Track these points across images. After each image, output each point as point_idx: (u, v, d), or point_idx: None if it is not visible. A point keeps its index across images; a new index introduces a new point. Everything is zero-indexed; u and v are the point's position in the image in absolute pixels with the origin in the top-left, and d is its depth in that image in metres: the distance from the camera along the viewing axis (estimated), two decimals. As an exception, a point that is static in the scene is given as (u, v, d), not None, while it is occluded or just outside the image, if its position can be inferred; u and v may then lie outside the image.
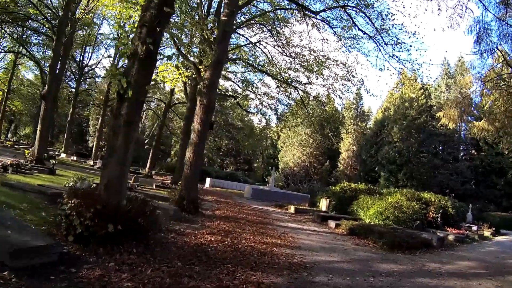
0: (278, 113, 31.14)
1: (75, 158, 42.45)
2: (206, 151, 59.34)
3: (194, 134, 15.56)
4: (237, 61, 26.42)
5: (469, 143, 49.96)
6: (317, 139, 57.41)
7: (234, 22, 18.01)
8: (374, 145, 51.27)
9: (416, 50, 43.63)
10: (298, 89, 26.12)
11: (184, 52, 20.74)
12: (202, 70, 18.81)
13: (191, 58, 20.98)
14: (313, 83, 25.66)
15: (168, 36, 19.26)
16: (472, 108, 37.96)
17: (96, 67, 54.27)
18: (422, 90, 48.94)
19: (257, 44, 24.20)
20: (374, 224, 16.33)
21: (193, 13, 21.97)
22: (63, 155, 42.59)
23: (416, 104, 47.46)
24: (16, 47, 42.56)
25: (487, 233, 22.55)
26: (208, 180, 38.71)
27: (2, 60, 52.39)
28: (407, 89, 49.40)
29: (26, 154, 24.36)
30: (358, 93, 60.84)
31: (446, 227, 20.03)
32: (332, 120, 59.29)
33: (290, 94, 27.61)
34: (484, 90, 20.57)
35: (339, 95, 24.76)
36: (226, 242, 9.43)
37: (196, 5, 21.95)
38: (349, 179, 44.73)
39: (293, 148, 58.08)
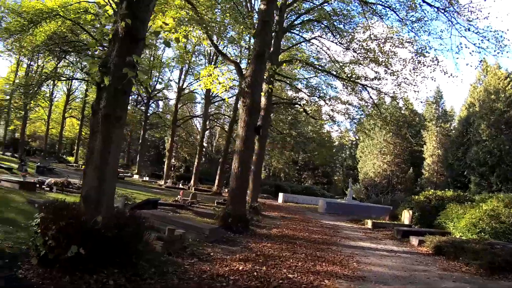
0: (351, 117, 28.95)
1: (147, 178, 42.50)
2: (282, 166, 57.91)
3: (238, 140, 13.88)
4: (292, 62, 24.29)
5: None
6: (397, 145, 53.81)
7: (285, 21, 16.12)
8: (461, 147, 46.79)
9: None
10: (367, 87, 23.64)
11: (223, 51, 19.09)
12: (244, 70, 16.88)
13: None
14: (382, 78, 23.09)
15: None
16: None
17: (163, 89, 55.18)
18: (508, 79, 43.73)
19: (314, 40, 22.13)
20: (467, 240, 13.28)
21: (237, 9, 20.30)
22: (136, 177, 42.66)
23: (503, 95, 42.63)
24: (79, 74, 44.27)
25: None
26: (281, 195, 37.24)
27: (77, 90, 55.29)
28: (492, 80, 44.57)
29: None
30: (437, 91, 57.44)
31: None
32: (412, 122, 55.76)
33: (360, 94, 25.24)
34: None
35: (413, 86, 22.10)
36: (256, 273, 7.34)
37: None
38: (435, 187, 41.16)
39: (373, 156, 54.94)
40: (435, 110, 55.94)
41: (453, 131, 52.60)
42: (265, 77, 20.35)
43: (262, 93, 21.83)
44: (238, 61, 19.05)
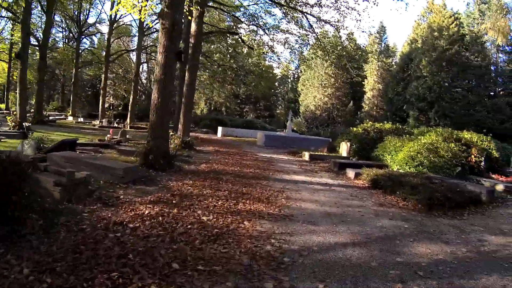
0: (291, 48, 27.78)
1: (81, 119, 40.26)
2: (223, 100, 56.56)
3: (157, 68, 12.21)
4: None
5: (508, 76, 45.43)
6: (338, 78, 53.53)
7: None
8: (401, 82, 47.56)
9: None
10: (306, 14, 22.36)
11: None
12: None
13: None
14: (323, 5, 21.84)
15: None
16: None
17: (97, 23, 51.09)
18: (453, 18, 44.34)
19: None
20: (404, 173, 12.64)
21: None
22: (70, 118, 40.35)
23: (446, 33, 43.01)
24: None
25: None
26: (220, 129, 36.71)
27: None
28: (436, 17, 44.66)
29: (8, 120, 22.79)
30: (381, 26, 57.84)
31: (490, 173, 16.43)
32: (355, 55, 55.59)
33: (300, 22, 23.95)
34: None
35: (354, 12, 21.12)
36: (162, 218, 6.22)
37: None
38: (375, 120, 41.34)
39: (314, 89, 54.75)
40: (378, 45, 56.26)
41: (394, 66, 53.00)
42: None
43: (192, 18, 20.12)
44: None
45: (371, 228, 6.89)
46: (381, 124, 21.16)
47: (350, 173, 13.58)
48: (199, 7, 18.94)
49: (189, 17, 18.82)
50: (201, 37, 22.30)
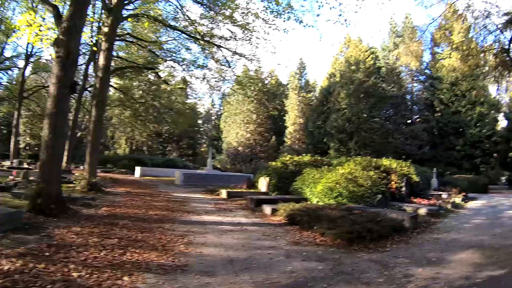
0: (210, 84, 26.98)
1: None
2: (145, 139, 54.56)
3: (50, 101, 10.60)
4: (139, 17, 21.37)
5: (423, 104, 48.06)
6: (260, 114, 53.62)
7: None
8: (321, 115, 48.46)
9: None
10: (221, 47, 21.76)
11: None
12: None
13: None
14: (237, 38, 21.35)
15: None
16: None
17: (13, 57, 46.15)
18: (369, 52, 46.16)
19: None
20: (323, 206, 11.83)
21: None
22: None
23: (363, 66, 44.36)
24: None
25: (458, 199, 19.17)
26: (138, 169, 34.49)
27: None
28: (353, 52, 46.18)
29: None
30: (301, 63, 58.97)
31: (412, 198, 16.46)
32: (276, 91, 56.12)
33: (215, 55, 23.32)
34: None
35: (267, 42, 20.87)
36: (21, 276, 4.81)
37: None
38: (298, 154, 41.40)
39: (236, 126, 54.50)
40: (298, 80, 56.99)
41: (314, 100, 54.07)
42: (105, 30, 17.50)
43: (101, 51, 18.84)
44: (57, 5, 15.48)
45: (279, 274, 5.78)
46: (300, 157, 20.59)
47: (267, 209, 12.52)
48: (106, 39, 17.72)
49: (94, 48, 17.47)
50: (109, 71, 20.91)
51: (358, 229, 8.34)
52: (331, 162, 20.30)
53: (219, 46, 22.32)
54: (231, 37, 21.79)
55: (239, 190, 19.30)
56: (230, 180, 26.23)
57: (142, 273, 5.42)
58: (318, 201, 13.64)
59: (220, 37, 22.08)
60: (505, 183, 46.72)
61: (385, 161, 17.65)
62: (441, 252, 7.79)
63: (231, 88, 31.18)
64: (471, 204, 19.75)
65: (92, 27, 22.56)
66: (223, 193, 17.95)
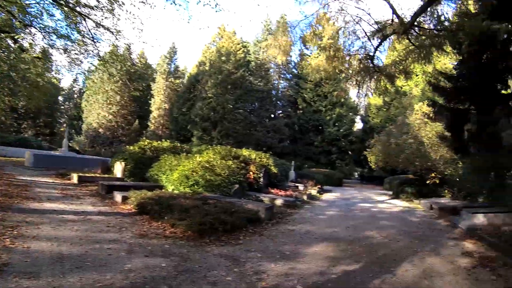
0: (71, 57, 24.59)
1: None
2: (-5, 113, 49.15)
3: None
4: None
5: (287, 100, 50.23)
6: (125, 96, 51.09)
7: None
8: (187, 102, 47.86)
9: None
10: (86, 18, 19.94)
11: None
12: None
13: None
14: (103, 8, 19.69)
15: None
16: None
17: None
18: (241, 45, 46.67)
19: None
20: (177, 195, 11.09)
21: None
22: None
23: (233, 58, 44.39)
24: None
25: (314, 191, 19.87)
26: None
27: None
28: (225, 43, 45.92)
29: None
30: (172, 47, 57.52)
31: (270, 189, 16.61)
32: (144, 74, 54.07)
33: (79, 25, 21.29)
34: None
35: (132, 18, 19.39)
36: None
37: None
38: (161, 140, 40.30)
39: (98, 106, 50.99)
40: (167, 65, 55.34)
41: (182, 87, 53.05)
42: None
43: None
44: None
45: (115, 274, 4.95)
46: (159, 142, 19.54)
47: (118, 197, 11.42)
48: None
49: None
50: None
51: (210, 220, 7.84)
52: (191, 149, 19.71)
53: (83, 16, 20.42)
54: (96, 6, 20.01)
55: (93, 175, 17.71)
56: (88, 163, 24.07)
57: None
58: (173, 189, 12.92)
59: (85, 5, 20.16)
60: (358, 178, 50.88)
61: (245, 152, 17.57)
62: (296, 245, 7.60)
63: (92, 64, 28.95)
64: (326, 196, 20.56)
65: None
66: (74, 178, 16.25)
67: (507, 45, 12.28)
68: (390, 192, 24.74)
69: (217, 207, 9.04)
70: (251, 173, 15.42)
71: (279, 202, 13.44)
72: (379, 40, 15.68)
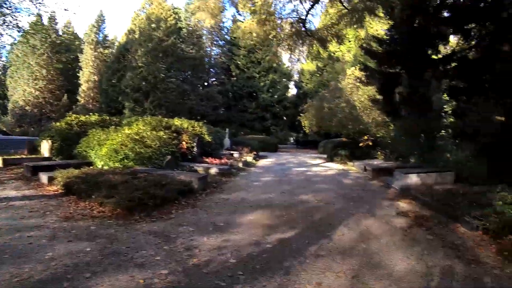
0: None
1: None
2: None
3: None
4: None
5: (220, 68, 49.88)
6: (51, 69, 48.22)
7: None
8: (117, 73, 45.62)
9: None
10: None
11: None
12: None
13: None
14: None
15: None
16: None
17: None
18: (172, 11, 45.10)
19: None
20: (106, 171, 10.56)
21: None
22: None
23: (164, 25, 42.89)
24: None
25: (249, 158, 19.99)
26: None
27: None
28: (155, 9, 44.27)
29: None
30: (100, 15, 54.92)
31: (204, 158, 16.40)
32: (71, 45, 51.40)
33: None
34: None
35: None
36: None
37: None
38: (90, 114, 38.69)
39: (23, 82, 47.69)
40: (95, 34, 52.62)
41: (111, 57, 50.63)
42: None
43: None
44: None
45: (35, 264, 4.53)
46: (86, 116, 18.53)
47: (44, 178, 10.66)
48: None
49: None
50: None
51: (139, 195, 7.53)
52: (121, 122, 18.91)
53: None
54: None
55: (19, 157, 16.43)
56: (12, 144, 22.47)
57: None
58: (103, 165, 12.33)
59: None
60: (293, 143, 51.60)
61: (177, 121, 17.14)
62: (230, 215, 7.46)
63: (11, 35, 27.09)
64: (262, 162, 20.61)
65: None
66: (-1, 161, 15.21)
67: (440, 10, 12.45)
68: (325, 156, 25.17)
69: (147, 181, 8.72)
70: (183, 143, 15.07)
71: (213, 171, 13.26)
72: (311, 3, 15.45)
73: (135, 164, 11.86)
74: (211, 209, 7.91)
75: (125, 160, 12.02)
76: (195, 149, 15.66)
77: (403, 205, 8.79)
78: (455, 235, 6.34)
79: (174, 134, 15.06)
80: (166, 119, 17.04)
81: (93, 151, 13.67)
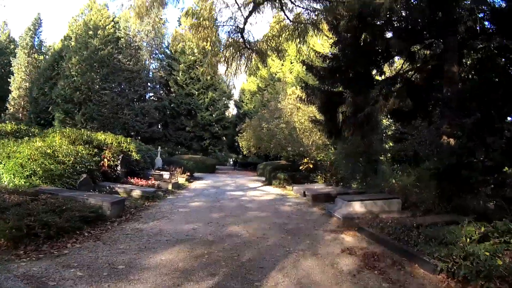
0: None
1: None
2: None
3: None
4: None
5: (158, 82, 48.29)
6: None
7: None
8: (50, 80, 43.16)
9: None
10: None
11: None
12: None
13: None
14: None
15: None
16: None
17: None
18: (111, 19, 43.12)
19: None
20: (5, 188, 9.06)
21: None
22: None
23: (102, 33, 41.06)
24: None
25: (182, 179, 19.06)
26: None
27: None
28: (94, 16, 42.45)
29: None
30: (37, 18, 52.03)
31: (129, 178, 14.96)
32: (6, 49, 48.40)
33: None
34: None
35: None
36: None
37: None
38: (19, 124, 36.10)
39: None
40: (31, 38, 49.74)
41: (44, 63, 47.75)
42: None
43: None
44: None
45: None
46: (2, 124, 16.71)
47: None
48: None
49: None
50: None
51: (30, 222, 6.18)
52: (40, 133, 17.17)
53: None
54: None
55: None
56: None
57: None
58: (9, 181, 10.66)
59: None
60: (232, 165, 50.59)
61: (100, 135, 15.71)
62: (137, 253, 6.12)
63: None
64: (195, 185, 19.66)
65: None
66: None
67: (384, 30, 11.83)
68: (263, 179, 24.51)
69: (46, 205, 7.33)
70: (105, 160, 13.62)
71: (136, 193, 12.00)
72: (250, 9, 14.40)
73: (42, 182, 10.36)
74: (117, 244, 6.59)
75: (33, 178, 10.47)
76: (119, 167, 14.29)
77: (348, 238, 7.80)
78: (416, 281, 5.31)
79: (96, 150, 13.63)
80: (88, 132, 15.56)
81: (2, 165, 11.95)
